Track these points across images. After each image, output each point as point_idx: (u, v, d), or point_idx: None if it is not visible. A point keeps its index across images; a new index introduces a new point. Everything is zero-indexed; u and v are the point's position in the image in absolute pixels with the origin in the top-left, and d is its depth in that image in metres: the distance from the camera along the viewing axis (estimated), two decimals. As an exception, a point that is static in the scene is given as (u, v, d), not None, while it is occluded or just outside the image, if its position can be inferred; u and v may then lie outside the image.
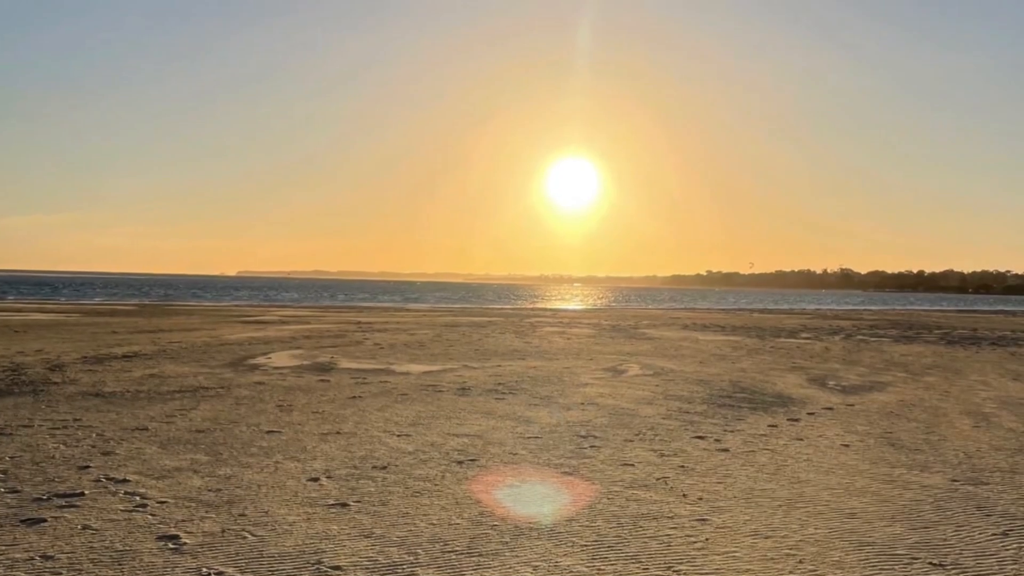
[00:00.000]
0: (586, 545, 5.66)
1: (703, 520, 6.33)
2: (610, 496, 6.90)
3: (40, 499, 6.40)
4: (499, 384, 13.20)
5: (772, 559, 5.44)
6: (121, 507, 6.26)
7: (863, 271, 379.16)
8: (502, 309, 54.79)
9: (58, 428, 9.18)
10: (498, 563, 5.28)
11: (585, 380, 14.08)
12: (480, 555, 5.40)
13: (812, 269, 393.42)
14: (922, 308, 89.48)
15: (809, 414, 11.24)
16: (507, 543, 5.66)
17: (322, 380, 13.38)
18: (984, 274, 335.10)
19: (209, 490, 6.84)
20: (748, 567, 5.30)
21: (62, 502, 6.35)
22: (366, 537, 5.70)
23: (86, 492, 6.67)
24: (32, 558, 5.06)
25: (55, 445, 8.32)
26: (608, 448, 8.67)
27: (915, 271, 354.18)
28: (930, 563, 5.45)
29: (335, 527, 5.90)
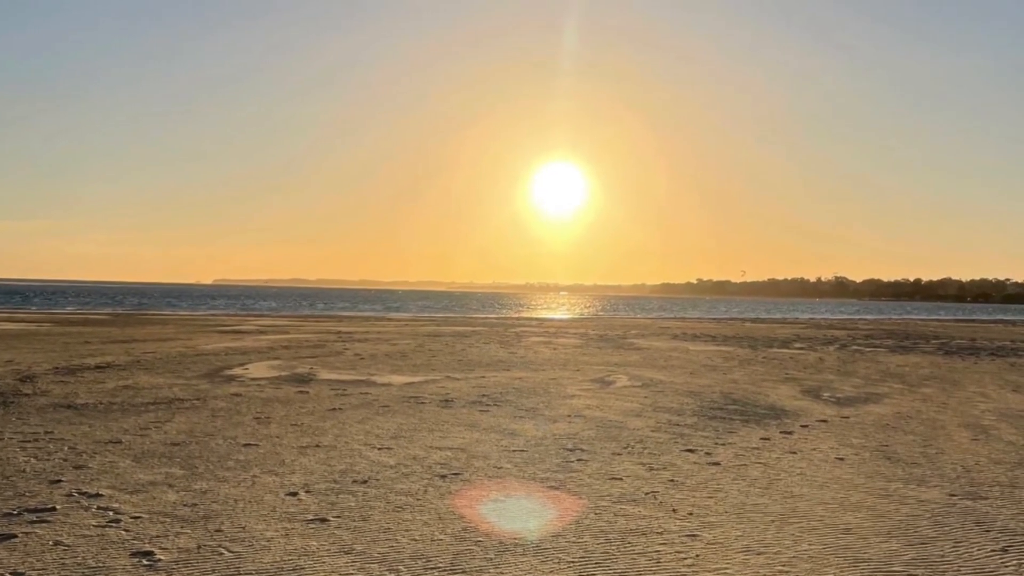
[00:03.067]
0: (573, 561, 5.53)
1: (693, 536, 6.19)
2: (598, 511, 6.75)
3: (10, 514, 6.24)
4: (483, 396, 13.05)
5: (766, 577, 5.31)
6: (94, 522, 6.10)
7: (858, 279, 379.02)
8: (486, 318, 54.75)
9: (29, 441, 8.97)
10: (483, 582, 5.14)
11: (572, 392, 13.95)
12: (464, 572, 5.27)
13: (806, 277, 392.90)
14: (919, 317, 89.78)
15: (803, 427, 11.13)
16: (491, 559, 5.53)
17: (301, 392, 13.21)
18: (983, 282, 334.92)
19: (184, 505, 6.68)
20: (742, 586, 5.16)
21: (33, 517, 6.19)
22: (346, 553, 5.56)
23: (58, 507, 6.50)
24: (2, 575, 4.91)
25: (26, 458, 8.13)
26: (595, 462, 8.53)
27: (912, 279, 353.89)
28: (929, 581, 5.32)
29: (314, 543, 5.76)
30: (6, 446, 8.71)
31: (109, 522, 6.14)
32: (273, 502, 6.83)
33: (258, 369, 16.78)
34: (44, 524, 6.05)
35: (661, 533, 6.22)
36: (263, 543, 5.74)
